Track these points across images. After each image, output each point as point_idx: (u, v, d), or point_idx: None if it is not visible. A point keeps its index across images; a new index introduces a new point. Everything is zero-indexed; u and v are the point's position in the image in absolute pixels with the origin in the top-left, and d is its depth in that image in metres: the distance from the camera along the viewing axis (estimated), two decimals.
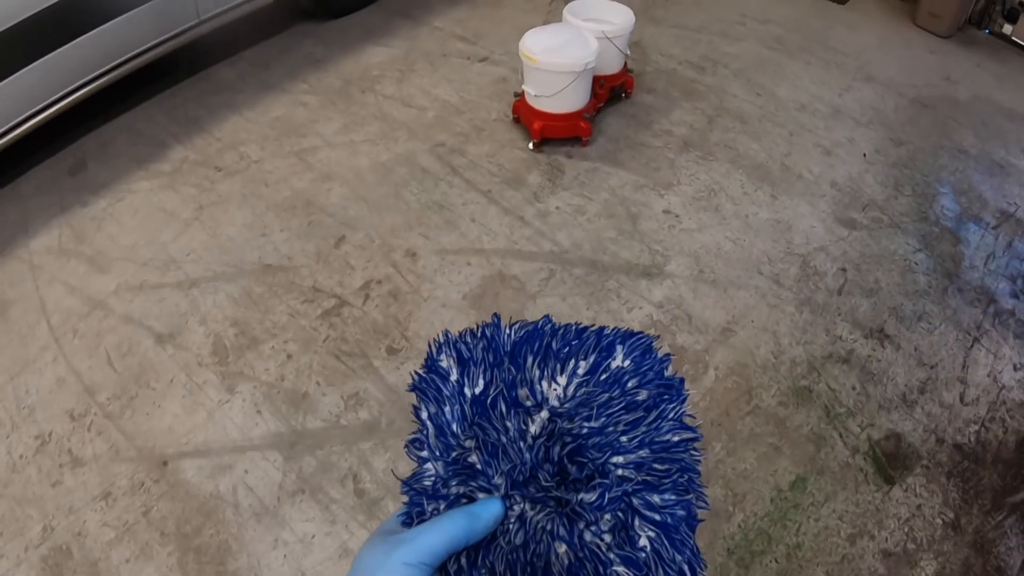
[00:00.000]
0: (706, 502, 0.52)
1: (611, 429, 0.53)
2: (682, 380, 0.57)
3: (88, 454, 1.88)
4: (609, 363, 0.57)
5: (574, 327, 0.60)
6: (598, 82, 2.79)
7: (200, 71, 3.33)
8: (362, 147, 2.82)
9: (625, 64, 2.92)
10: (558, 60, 2.47)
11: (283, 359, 2.08)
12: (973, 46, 3.75)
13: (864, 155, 2.94)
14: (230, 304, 2.24)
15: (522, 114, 2.79)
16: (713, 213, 2.57)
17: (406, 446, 0.56)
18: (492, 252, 2.39)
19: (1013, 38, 3.75)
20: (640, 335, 0.59)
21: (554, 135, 2.72)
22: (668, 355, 0.58)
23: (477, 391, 0.56)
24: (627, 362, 0.58)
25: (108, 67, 2.69)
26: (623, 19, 2.84)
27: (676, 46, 3.52)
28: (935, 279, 2.42)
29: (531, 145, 2.74)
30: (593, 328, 0.59)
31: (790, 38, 3.67)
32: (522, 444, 0.54)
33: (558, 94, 2.57)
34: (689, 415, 0.55)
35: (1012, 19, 3.72)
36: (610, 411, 0.54)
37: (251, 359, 2.08)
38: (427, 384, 0.58)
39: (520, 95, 2.76)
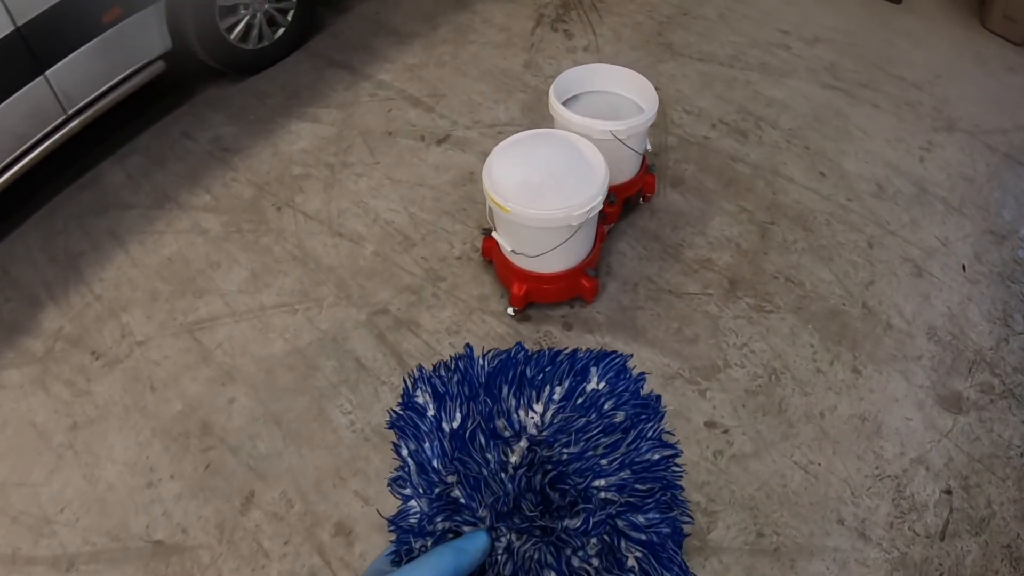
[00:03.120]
0: (690, 516, 0.52)
1: (591, 453, 0.53)
2: (658, 397, 0.58)
3: None
4: (584, 386, 0.58)
5: (547, 352, 0.60)
6: (606, 199, 1.95)
7: (86, 172, 2.49)
8: (275, 317, 2.02)
9: (644, 161, 2.07)
10: (545, 212, 1.63)
11: None
12: None
13: (963, 267, 2.13)
14: None
15: (496, 266, 1.97)
16: (776, 417, 1.80)
17: (389, 485, 0.55)
18: None
19: None
20: (614, 355, 0.60)
21: (544, 300, 1.91)
22: (643, 374, 0.60)
23: (455, 425, 0.57)
24: (602, 384, 0.59)
25: None
26: (639, 97, 1.97)
27: (705, 94, 2.62)
28: None
29: (511, 310, 1.93)
30: (567, 351, 0.60)
31: (847, 65, 2.75)
32: (503, 475, 0.54)
33: (547, 254, 1.75)
34: (668, 432, 0.56)
35: None
36: (588, 435, 0.55)
37: None
38: (405, 421, 0.58)
39: (491, 232, 1.94)
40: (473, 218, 2.20)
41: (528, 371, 0.59)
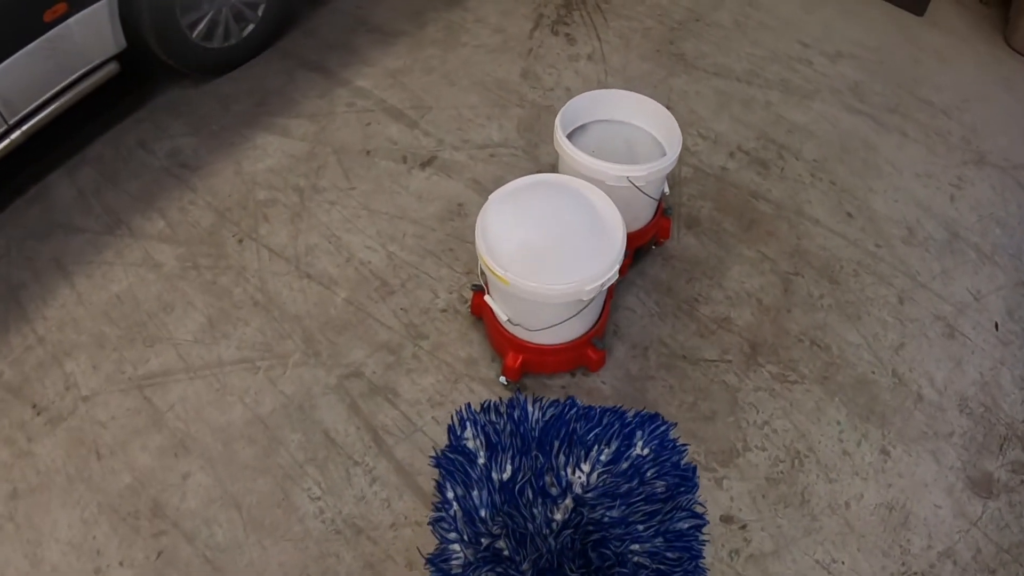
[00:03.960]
0: None
1: (631, 519, 0.58)
2: (695, 469, 0.67)
3: None
4: (631, 452, 0.65)
5: (598, 410, 0.68)
6: None
7: (34, 184, 2.20)
8: (234, 376, 1.77)
9: (660, 204, 1.84)
10: (551, 287, 1.39)
11: None
12: None
13: (996, 326, 1.95)
14: None
15: (488, 328, 1.74)
16: (798, 509, 1.60)
17: (431, 524, 0.62)
18: None
19: None
20: (658, 421, 0.70)
21: (542, 371, 1.68)
22: (685, 445, 0.69)
23: (505, 477, 0.62)
24: (647, 450, 0.68)
25: None
26: (657, 130, 1.75)
27: (722, 116, 2.37)
28: None
29: (503, 379, 1.70)
30: (615, 411, 0.67)
31: (872, 87, 2.52)
32: (548, 532, 0.59)
33: (550, 328, 1.52)
34: (699, 503, 0.63)
35: None
36: (631, 502, 0.61)
37: None
38: (454, 465, 0.65)
39: (482, 290, 1.70)
40: (461, 261, 1.96)
41: (579, 428, 0.63)
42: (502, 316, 1.54)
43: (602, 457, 0.67)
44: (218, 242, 2.03)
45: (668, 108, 1.75)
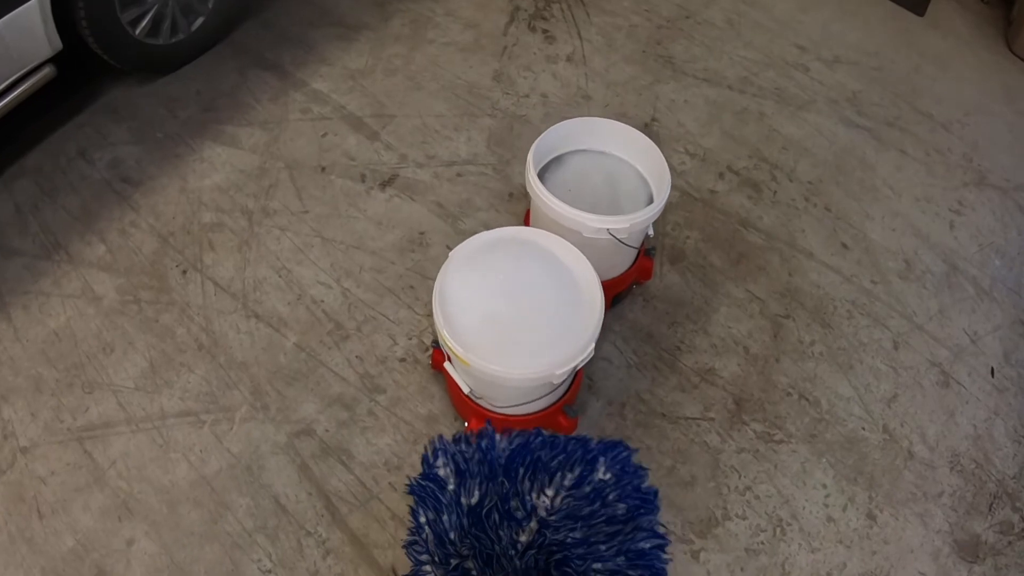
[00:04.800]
0: None
1: (593, 540, 0.62)
2: (656, 492, 0.69)
3: None
4: (593, 476, 0.68)
5: (562, 439, 0.71)
6: None
7: None
8: (177, 430, 1.63)
9: (643, 247, 1.69)
10: (518, 372, 1.24)
11: None
12: None
13: (992, 371, 1.85)
14: None
15: (450, 389, 1.59)
16: None
17: (405, 547, 0.66)
18: None
19: None
20: (620, 447, 0.72)
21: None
22: (645, 469, 0.71)
23: (473, 501, 0.65)
24: (608, 475, 0.69)
25: None
26: (642, 164, 1.60)
27: (712, 129, 2.20)
28: None
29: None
30: (578, 439, 0.71)
31: (871, 96, 2.35)
32: (513, 552, 0.62)
33: (517, 406, 1.38)
34: (660, 523, 0.67)
35: None
36: (593, 524, 0.64)
37: None
38: (425, 491, 0.67)
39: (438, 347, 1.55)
40: (421, 301, 1.81)
41: (543, 455, 0.68)
42: (464, 387, 1.40)
43: (565, 482, 0.69)
44: (160, 272, 1.86)
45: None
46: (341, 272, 1.85)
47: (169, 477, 1.58)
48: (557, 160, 1.67)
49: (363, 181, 2.03)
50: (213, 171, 2.05)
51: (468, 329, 1.26)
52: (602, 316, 1.28)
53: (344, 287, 1.82)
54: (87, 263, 1.88)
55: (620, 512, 0.64)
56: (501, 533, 0.63)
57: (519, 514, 0.65)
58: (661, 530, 0.62)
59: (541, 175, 1.60)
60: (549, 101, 2.24)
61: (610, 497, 0.65)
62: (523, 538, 0.63)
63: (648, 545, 0.60)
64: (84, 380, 1.70)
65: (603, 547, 0.63)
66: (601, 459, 0.65)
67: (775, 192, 2.09)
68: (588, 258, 1.37)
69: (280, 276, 1.84)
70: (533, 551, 0.61)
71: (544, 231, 1.41)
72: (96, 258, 1.89)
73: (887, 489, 1.65)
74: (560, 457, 0.63)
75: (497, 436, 0.73)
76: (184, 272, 1.86)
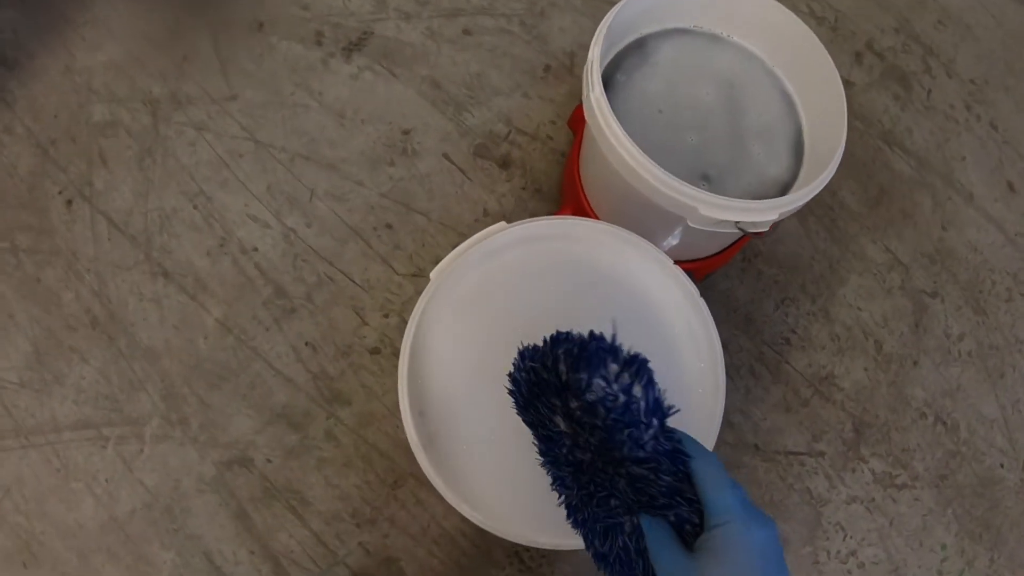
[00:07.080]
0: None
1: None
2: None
3: None
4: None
5: None
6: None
7: None
8: (76, 449, 1.17)
9: None
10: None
11: None
12: None
13: None
14: None
15: None
16: None
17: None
18: None
19: None
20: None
21: None
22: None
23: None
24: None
25: None
26: (786, 71, 0.84)
27: None
28: None
29: None
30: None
31: None
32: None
33: None
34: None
35: None
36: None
37: None
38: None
39: None
40: (404, 249, 1.16)
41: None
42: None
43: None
44: (40, 203, 1.29)
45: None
46: (283, 200, 1.21)
47: (74, 516, 1.15)
48: (639, 47, 0.88)
49: (319, 45, 1.29)
50: (109, 38, 1.37)
51: (459, 447, 0.64)
52: (721, 413, 0.63)
53: (287, 225, 1.20)
54: None
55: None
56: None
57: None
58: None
59: (610, 76, 0.85)
60: None
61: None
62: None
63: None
64: None
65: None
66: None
67: (929, 92, 1.20)
68: (676, 243, 0.68)
69: (196, 207, 1.23)
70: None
71: (603, 227, 0.70)
72: None
73: (1011, 549, 1.02)
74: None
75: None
76: (69, 202, 1.28)
